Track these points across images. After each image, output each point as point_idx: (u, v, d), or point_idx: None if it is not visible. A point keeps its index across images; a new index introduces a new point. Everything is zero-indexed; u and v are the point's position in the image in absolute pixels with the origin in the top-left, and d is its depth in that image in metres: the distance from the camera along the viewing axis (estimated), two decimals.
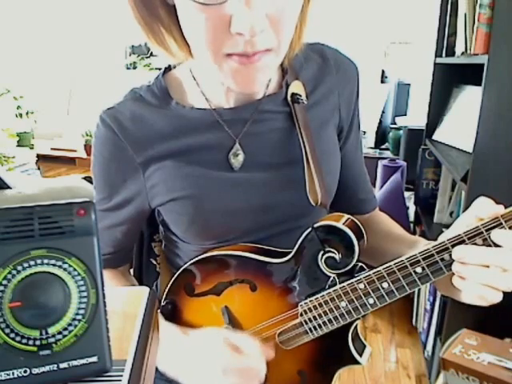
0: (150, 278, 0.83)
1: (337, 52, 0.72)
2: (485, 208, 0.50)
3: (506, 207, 0.49)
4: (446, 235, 0.53)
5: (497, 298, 0.50)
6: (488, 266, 0.49)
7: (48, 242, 0.30)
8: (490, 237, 0.49)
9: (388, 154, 2.86)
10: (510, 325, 1.24)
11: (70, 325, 0.31)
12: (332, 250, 0.60)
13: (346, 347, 0.63)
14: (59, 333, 0.31)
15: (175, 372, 0.62)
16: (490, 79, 1.20)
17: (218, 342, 0.60)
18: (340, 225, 0.59)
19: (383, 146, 3.00)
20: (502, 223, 0.49)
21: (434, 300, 1.69)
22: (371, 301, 0.58)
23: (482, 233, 0.50)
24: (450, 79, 1.94)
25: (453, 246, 0.51)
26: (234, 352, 0.58)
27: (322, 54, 0.70)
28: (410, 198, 2.38)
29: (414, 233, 2.20)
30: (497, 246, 0.49)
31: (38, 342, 0.30)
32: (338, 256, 0.60)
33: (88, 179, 0.36)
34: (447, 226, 0.56)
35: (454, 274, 0.52)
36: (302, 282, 0.63)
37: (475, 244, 0.50)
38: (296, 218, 0.68)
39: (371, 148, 2.94)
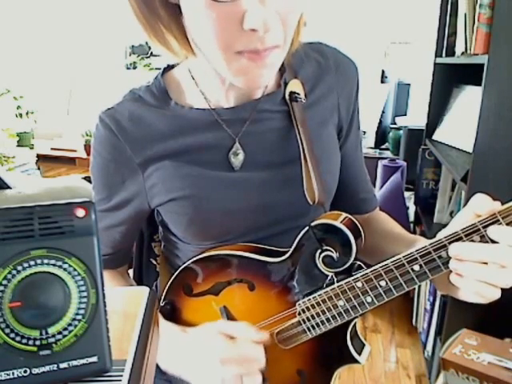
0: (150, 278, 0.83)
1: (336, 51, 0.72)
2: (482, 205, 0.50)
3: (502, 203, 0.50)
4: (443, 233, 0.53)
5: (495, 294, 0.50)
6: (486, 263, 0.49)
7: (48, 242, 0.30)
8: (487, 233, 0.49)
9: (388, 154, 2.85)
10: (510, 325, 1.24)
11: (69, 325, 0.31)
12: (329, 248, 0.60)
13: (344, 346, 0.63)
14: (59, 333, 0.31)
15: (176, 369, 0.62)
16: (490, 79, 1.20)
17: (212, 334, 0.60)
18: (337, 223, 0.59)
19: (383, 146, 3.00)
20: (499, 219, 0.49)
21: (434, 300, 1.69)
22: (369, 299, 0.58)
23: (479, 229, 0.50)
24: (450, 79, 1.94)
25: (450, 243, 0.51)
26: (228, 341, 0.58)
27: (322, 53, 0.70)
28: (410, 198, 2.38)
29: (414, 233, 2.20)
30: (494, 242, 0.49)
31: (38, 342, 0.30)
32: (335, 254, 0.60)
33: (88, 179, 0.36)
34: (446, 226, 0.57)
35: (451, 271, 0.52)
36: (299, 281, 0.63)
37: (472, 241, 0.50)
38: (295, 217, 0.68)
39: (371, 148, 2.94)
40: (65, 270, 0.31)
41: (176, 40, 0.58)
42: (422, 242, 0.54)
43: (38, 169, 3.83)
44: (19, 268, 0.30)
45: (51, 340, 0.31)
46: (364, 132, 3.01)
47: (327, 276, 0.61)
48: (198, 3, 0.48)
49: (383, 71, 3.63)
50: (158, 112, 0.65)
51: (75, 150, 4.83)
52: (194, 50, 0.59)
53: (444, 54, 1.84)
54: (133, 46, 4.95)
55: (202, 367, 0.59)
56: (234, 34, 0.49)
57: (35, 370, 0.30)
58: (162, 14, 0.56)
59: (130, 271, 0.84)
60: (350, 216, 0.62)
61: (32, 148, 4.24)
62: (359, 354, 0.64)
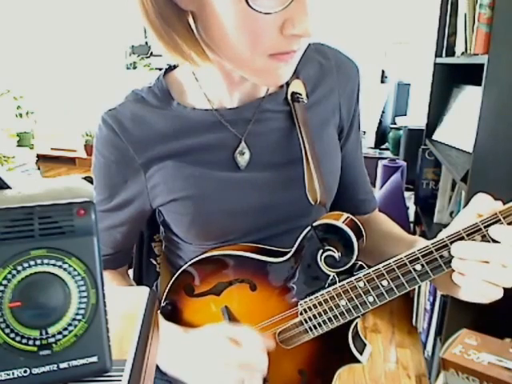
0: (150, 278, 0.83)
1: (338, 52, 0.72)
2: (483, 204, 0.51)
3: (504, 203, 0.50)
4: (445, 232, 0.53)
5: (497, 294, 0.50)
6: (488, 262, 0.49)
7: (48, 242, 0.30)
8: (488, 233, 0.49)
9: (388, 154, 2.85)
10: (510, 325, 1.24)
11: (69, 325, 0.31)
12: (331, 248, 0.60)
13: (346, 346, 0.63)
14: (59, 333, 0.31)
15: (177, 371, 0.62)
16: (490, 79, 1.20)
17: (217, 337, 0.60)
18: (339, 223, 0.59)
19: (383, 146, 3.00)
20: (500, 219, 0.49)
21: (434, 300, 1.69)
22: (371, 299, 0.58)
23: (480, 229, 0.50)
24: (450, 79, 1.94)
25: (452, 243, 0.51)
26: (233, 346, 0.58)
27: (323, 54, 0.71)
28: (410, 197, 2.38)
29: (414, 233, 2.19)
30: (496, 242, 0.49)
31: (38, 342, 0.30)
32: (337, 254, 0.60)
33: (88, 179, 0.36)
34: (447, 226, 0.56)
35: (453, 271, 0.52)
36: (301, 281, 0.63)
37: (474, 240, 0.50)
38: (297, 217, 0.68)
39: (371, 148, 2.94)
40: (65, 269, 0.31)
41: (187, 46, 0.55)
42: (422, 243, 0.54)
43: (38, 169, 3.82)
44: (19, 268, 0.30)
45: (51, 340, 0.30)
46: (364, 132, 3.01)
47: (329, 276, 0.61)
48: (235, 11, 0.47)
49: (383, 71, 3.63)
50: (160, 113, 0.65)
51: (75, 150, 4.83)
52: (206, 54, 0.56)
53: (444, 54, 1.84)
54: (133, 46, 4.95)
55: (203, 369, 0.59)
56: (271, 39, 0.49)
57: (35, 370, 0.30)
58: (168, 16, 0.52)
59: (130, 271, 0.84)
60: (351, 216, 0.62)
61: (32, 148, 4.23)
62: (361, 353, 0.64)
